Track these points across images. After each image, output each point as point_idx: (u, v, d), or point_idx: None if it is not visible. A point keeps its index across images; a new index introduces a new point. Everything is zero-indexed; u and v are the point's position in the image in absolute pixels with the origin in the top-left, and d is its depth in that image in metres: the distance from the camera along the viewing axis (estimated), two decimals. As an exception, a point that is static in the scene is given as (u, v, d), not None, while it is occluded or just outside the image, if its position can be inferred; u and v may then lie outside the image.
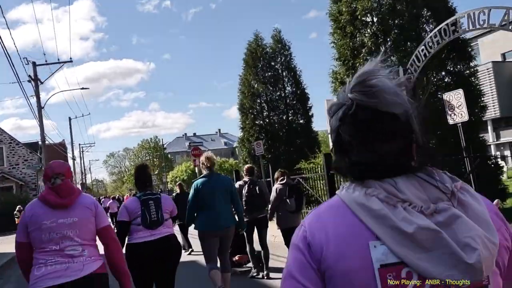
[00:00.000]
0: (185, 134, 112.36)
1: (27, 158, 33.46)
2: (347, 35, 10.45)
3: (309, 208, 13.12)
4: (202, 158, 5.60)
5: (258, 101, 17.32)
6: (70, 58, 32.25)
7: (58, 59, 30.32)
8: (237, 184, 6.91)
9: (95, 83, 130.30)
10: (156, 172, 37.86)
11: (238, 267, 7.65)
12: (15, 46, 54.71)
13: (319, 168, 11.53)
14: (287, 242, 6.82)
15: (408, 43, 9.85)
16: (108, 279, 2.99)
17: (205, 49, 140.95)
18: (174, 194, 12.04)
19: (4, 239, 21.32)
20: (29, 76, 27.54)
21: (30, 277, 2.79)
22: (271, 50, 17.51)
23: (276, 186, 7.08)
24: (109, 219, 4.10)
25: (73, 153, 50.72)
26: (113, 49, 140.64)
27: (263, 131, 16.79)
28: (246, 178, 7.00)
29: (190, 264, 8.54)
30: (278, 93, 17.30)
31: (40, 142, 30.52)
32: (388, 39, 10.09)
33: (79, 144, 78.05)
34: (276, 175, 7.42)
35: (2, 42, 20.80)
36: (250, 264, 7.28)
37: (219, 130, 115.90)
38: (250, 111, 16.97)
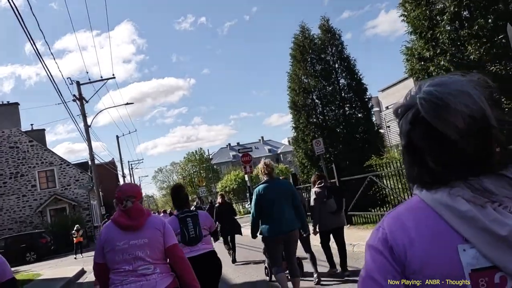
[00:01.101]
0: (229, 144, 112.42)
1: (78, 178, 33.57)
2: (421, 4, 8.98)
3: (384, 208, 11.63)
4: (261, 165, 5.62)
5: (311, 97, 15.99)
6: (113, 75, 32.16)
7: (101, 76, 30.22)
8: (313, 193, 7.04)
9: (140, 103, 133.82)
10: (203, 184, 37.21)
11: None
12: (60, 72, 56.00)
13: (397, 163, 10.06)
14: (324, 243, 7.13)
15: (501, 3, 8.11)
16: None
17: (242, 60, 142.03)
18: (216, 205, 11.21)
19: (58, 262, 20.99)
20: (74, 95, 27.47)
21: None
22: (320, 41, 16.18)
23: (314, 189, 7.11)
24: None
25: (122, 170, 51.07)
26: (155, 69, 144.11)
27: (318, 128, 15.43)
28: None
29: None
30: (331, 87, 15.90)
31: (89, 161, 30.44)
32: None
33: (128, 162, 79.42)
34: (312, 178, 7.55)
35: (48, 71, 20.68)
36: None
37: (262, 137, 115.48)
38: (304, 108, 15.66)
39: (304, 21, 16.88)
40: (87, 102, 28.73)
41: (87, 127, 28.26)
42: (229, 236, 10.40)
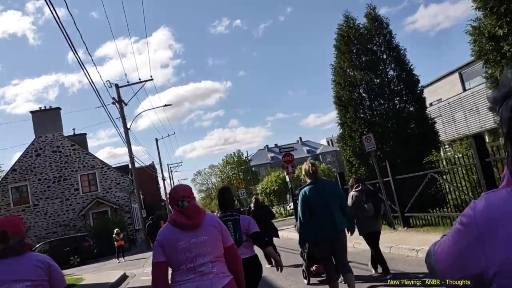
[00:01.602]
0: (267, 145, 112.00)
1: (119, 181, 33.71)
2: (492, -27, 7.90)
3: (445, 209, 10.52)
4: (305, 166, 5.54)
5: (357, 90, 14.99)
6: (151, 76, 32.09)
7: (139, 79, 30.19)
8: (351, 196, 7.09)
9: (178, 107, 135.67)
10: (243, 186, 36.69)
11: (317, 277, 7.64)
12: (100, 77, 56.91)
13: (463, 158, 8.97)
14: (371, 246, 7.07)
15: None
16: None
17: (277, 61, 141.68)
18: (251, 210, 10.78)
19: (101, 266, 20.81)
20: (113, 98, 27.47)
21: None
22: (366, 31, 15.15)
23: (352, 193, 7.12)
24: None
25: (162, 173, 51.36)
26: (191, 73, 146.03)
27: (367, 124, 14.41)
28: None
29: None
30: (379, 79, 14.83)
31: (130, 164, 30.40)
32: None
33: (168, 165, 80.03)
34: (350, 182, 7.60)
35: (89, 75, 20.72)
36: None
37: (300, 138, 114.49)
38: (350, 103, 14.68)
39: (349, 10, 15.57)
40: (126, 104, 28.74)
41: (126, 129, 28.23)
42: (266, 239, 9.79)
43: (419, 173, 10.42)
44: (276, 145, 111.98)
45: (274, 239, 10.30)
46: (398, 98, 14.77)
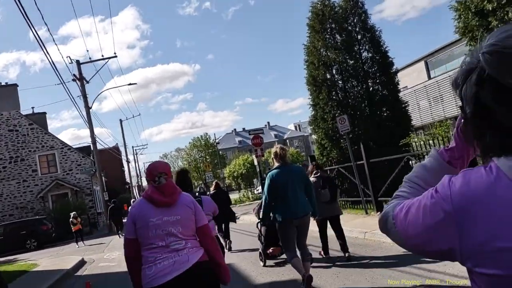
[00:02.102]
0: (235, 129, 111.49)
1: (80, 163, 32.30)
2: None
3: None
4: (276, 150, 5.66)
5: (331, 71, 14.50)
6: (115, 53, 30.65)
7: (102, 55, 28.79)
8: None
9: (144, 89, 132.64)
10: (210, 170, 36.00)
11: (273, 259, 7.95)
12: (60, 54, 54.46)
13: (443, 141, 8.61)
14: (322, 231, 7.50)
15: None
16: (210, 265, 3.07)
17: (246, 45, 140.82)
18: (208, 194, 11.11)
19: (59, 250, 19.78)
20: (74, 75, 26.08)
21: (142, 276, 2.92)
22: (340, 10, 14.62)
23: (311, 179, 7.10)
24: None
25: (126, 155, 49.89)
26: (159, 55, 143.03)
27: (340, 106, 13.98)
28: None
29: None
30: (353, 60, 14.38)
31: (91, 145, 29.14)
32: None
33: (133, 147, 78.14)
34: (309, 168, 7.91)
35: (47, 53, 19.31)
36: (284, 256, 7.26)
37: (268, 123, 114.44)
38: (324, 84, 14.18)
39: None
40: (87, 82, 27.42)
41: (88, 108, 26.95)
42: (223, 224, 10.42)
43: (395, 156, 10.06)
44: (244, 129, 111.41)
45: (231, 223, 11.01)
46: (371, 81, 14.39)
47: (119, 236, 21.59)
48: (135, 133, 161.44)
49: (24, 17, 11.12)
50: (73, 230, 20.64)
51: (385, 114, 13.89)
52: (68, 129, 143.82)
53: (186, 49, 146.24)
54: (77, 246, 19.96)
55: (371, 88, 14.27)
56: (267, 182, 5.57)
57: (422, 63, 28.79)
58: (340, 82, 14.52)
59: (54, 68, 47.53)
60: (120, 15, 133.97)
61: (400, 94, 14.44)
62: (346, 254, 7.06)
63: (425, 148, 9.44)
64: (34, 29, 11.97)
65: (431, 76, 27.75)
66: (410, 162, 10.66)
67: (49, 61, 49.71)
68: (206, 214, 4.33)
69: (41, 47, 22.42)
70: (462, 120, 1.00)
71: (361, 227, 9.33)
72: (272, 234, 7.18)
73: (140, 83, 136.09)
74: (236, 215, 11.81)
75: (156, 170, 3.07)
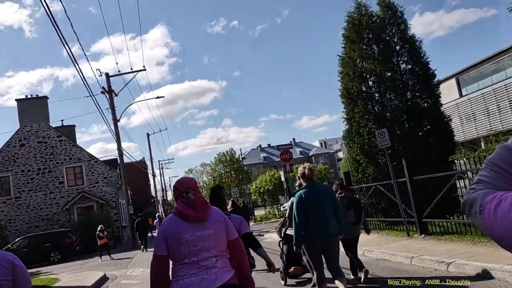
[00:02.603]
0: (260, 145, 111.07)
1: (106, 175, 32.21)
2: None
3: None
4: (304, 170, 5.54)
5: (367, 83, 13.77)
6: (144, 66, 30.62)
7: (131, 68, 28.79)
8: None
9: (172, 105, 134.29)
10: (235, 185, 35.41)
11: (294, 278, 7.81)
12: (91, 68, 55.42)
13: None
14: (348, 251, 7.25)
15: None
16: None
17: (272, 63, 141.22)
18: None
19: (83, 264, 19.37)
20: (102, 87, 26.06)
21: None
22: (378, 19, 13.92)
23: None
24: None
25: (153, 169, 49.80)
26: (187, 71, 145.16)
27: (377, 119, 13.19)
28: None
29: None
30: (391, 72, 13.60)
31: (118, 158, 28.97)
32: None
33: (159, 161, 78.42)
34: (334, 188, 7.43)
35: (78, 67, 19.31)
36: (308, 275, 7.37)
37: (294, 139, 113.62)
38: (359, 96, 13.44)
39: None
40: (116, 95, 27.34)
41: (116, 120, 26.83)
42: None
43: (444, 173, 9.17)
44: (269, 145, 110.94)
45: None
46: (410, 93, 13.55)
47: (143, 251, 21.47)
48: (162, 147, 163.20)
49: (57, 33, 11.32)
50: (99, 244, 20.21)
51: (425, 128, 13.01)
52: (97, 142, 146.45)
53: (214, 65, 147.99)
54: (100, 260, 19.53)
55: (410, 101, 13.42)
56: (295, 202, 5.46)
57: (453, 80, 27.73)
58: (376, 94, 13.74)
59: (84, 80, 48.15)
60: (151, 32, 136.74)
61: (442, 108, 13.53)
62: (363, 271, 7.00)
63: (475, 166, 8.56)
64: (68, 46, 12.03)
65: (463, 94, 26.65)
66: (458, 182, 9.79)
67: (79, 74, 50.57)
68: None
69: (73, 62, 22.46)
70: None
71: (405, 251, 8.46)
72: (294, 253, 6.92)
73: (167, 99, 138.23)
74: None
75: (184, 186, 3.04)
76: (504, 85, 22.15)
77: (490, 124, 23.31)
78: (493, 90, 22.99)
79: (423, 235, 9.81)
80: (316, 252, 5.47)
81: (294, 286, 7.58)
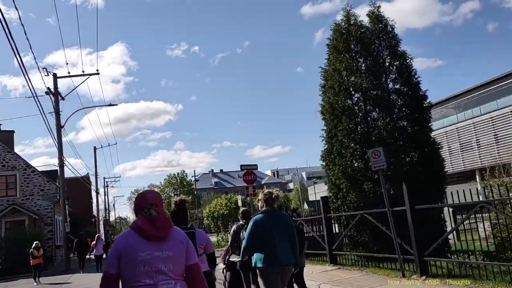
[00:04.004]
0: (212, 170, 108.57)
1: (43, 187, 28.93)
2: None
3: (477, 256, 7.78)
4: (269, 195, 5.42)
5: (353, 99, 12.33)
6: (97, 70, 28.07)
7: (83, 71, 26.25)
8: (234, 226, 7.25)
9: (124, 123, 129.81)
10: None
11: None
12: (37, 63, 51.36)
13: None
14: (295, 281, 7.30)
15: None
16: None
17: (229, 91, 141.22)
18: None
19: (8, 287, 16.39)
20: (48, 88, 23.36)
21: None
22: (367, 31, 12.64)
23: None
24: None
25: (96, 185, 46.32)
26: (143, 91, 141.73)
27: (362, 139, 11.72)
28: (242, 222, 7.16)
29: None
30: (379, 90, 12.21)
31: (58, 168, 25.98)
32: None
33: (104, 178, 74.03)
34: None
35: (26, 73, 16.78)
36: None
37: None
38: (345, 113, 11.95)
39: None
40: (63, 98, 24.66)
41: (59, 126, 24.07)
42: None
43: (466, 202, 7.54)
44: (221, 170, 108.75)
45: None
46: (397, 114, 12.22)
47: (81, 272, 20.10)
48: (109, 165, 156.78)
49: (9, 40, 11.02)
50: (31, 264, 17.18)
51: (415, 154, 11.66)
52: (40, 156, 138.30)
53: (170, 89, 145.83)
54: (35, 283, 16.60)
55: (398, 124, 12.06)
56: (250, 226, 5.30)
57: (451, 104, 26.92)
58: (361, 112, 12.31)
59: (27, 77, 44.43)
60: (110, 49, 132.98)
61: (432, 134, 12.26)
62: None
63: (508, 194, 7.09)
64: (18, 53, 11.08)
65: (459, 119, 25.77)
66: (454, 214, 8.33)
67: (22, 71, 46.82)
68: (199, 247, 4.49)
69: (20, 67, 19.81)
70: None
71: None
72: (237, 280, 6.95)
73: (120, 117, 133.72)
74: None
75: (146, 201, 2.79)
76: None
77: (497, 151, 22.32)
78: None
79: (424, 276, 8.17)
80: (271, 280, 5.18)
81: None
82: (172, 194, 72.68)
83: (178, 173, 75.14)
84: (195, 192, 63.57)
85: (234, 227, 7.37)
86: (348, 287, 8.46)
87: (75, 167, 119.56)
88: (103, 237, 30.97)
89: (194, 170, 65.07)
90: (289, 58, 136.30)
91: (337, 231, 12.53)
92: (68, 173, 26.09)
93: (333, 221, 12.29)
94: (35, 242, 17.83)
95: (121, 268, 2.62)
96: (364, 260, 11.19)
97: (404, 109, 12.26)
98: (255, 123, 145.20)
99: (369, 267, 10.40)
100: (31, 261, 17.16)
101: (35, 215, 28.04)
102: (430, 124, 12.16)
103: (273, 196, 5.41)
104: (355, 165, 11.49)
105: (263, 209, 5.35)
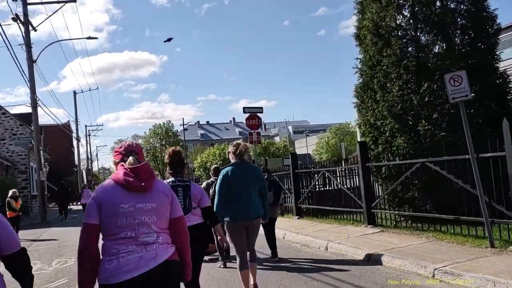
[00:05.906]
0: (198, 121, 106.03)
1: (16, 131, 25.99)
2: None
3: None
4: (238, 147, 5.29)
5: (400, 18, 9.58)
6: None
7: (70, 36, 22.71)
8: (204, 183, 7.80)
9: (108, 73, 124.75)
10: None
11: (207, 255, 7.50)
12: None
13: None
14: (267, 232, 7.71)
15: None
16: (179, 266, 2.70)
17: (215, 43, 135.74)
18: None
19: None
20: (15, 14, 19.94)
21: (100, 270, 2.47)
22: None
23: None
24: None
25: (77, 132, 43.35)
26: (126, 41, 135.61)
27: (417, 68, 9.09)
28: (213, 178, 7.54)
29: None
30: (432, 7, 9.46)
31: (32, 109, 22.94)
32: None
33: (85, 126, 70.57)
34: None
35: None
36: (218, 254, 7.51)
37: (234, 118, 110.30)
38: (391, 33, 9.24)
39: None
40: (34, 29, 21.28)
41: (31, 60, 20.84)
42: None
43: None
44: (208, 122, 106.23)
45: None
46: (460, 38, 9.53)
47: (62, 220, 19.93)
48: (91, 114, 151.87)
49: None
50: (8, 216, 14.10)
51: (482, 86, 9.08)
52: (22, 105, 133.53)
53: (155, 39, 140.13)
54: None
55: (458, 48, 9.39)
56: (220, 179, 5.18)
57: None
58: (411, 29, 9.58)
59: None
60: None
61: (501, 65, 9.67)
62: (275, 258, 7.59)
63: None
64: None
65: None
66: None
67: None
68: (193, 200, 4.37)
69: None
70: None
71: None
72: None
73: (104, 68, 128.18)
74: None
75: (126, 149, 2.73)
76: None
77: None
78: None
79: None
80: (238, 233, 5.18)
81: (206, 262, 7.28)
82: (158, 145, 70.01)
83: (164, 123, 71.99)
84: (184, 143, 60.98)
85: (204, 184, 7.57)
86: (421, 261, 6.10)
87: (57, 116, 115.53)
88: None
89: (183, 119, 62.00)
90: (277, 10, 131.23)
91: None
92: (48, 120, 23.25)
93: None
94: (12, 190, 15.03)
95: (101, 219, 2.48)
96: (408, 221, 8.95)
97: (467, 31, 9.55)
98: (241, 77, 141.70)
99: (425, 230, 8.08)
100: (7, 213, 14.26)
101: (7, 161, 25.25)
102: (498, 52, 9.51)
103: (242, 148, 5.26)
104: (407, 102, 8.90)
105: (233, 161, 5.26)
